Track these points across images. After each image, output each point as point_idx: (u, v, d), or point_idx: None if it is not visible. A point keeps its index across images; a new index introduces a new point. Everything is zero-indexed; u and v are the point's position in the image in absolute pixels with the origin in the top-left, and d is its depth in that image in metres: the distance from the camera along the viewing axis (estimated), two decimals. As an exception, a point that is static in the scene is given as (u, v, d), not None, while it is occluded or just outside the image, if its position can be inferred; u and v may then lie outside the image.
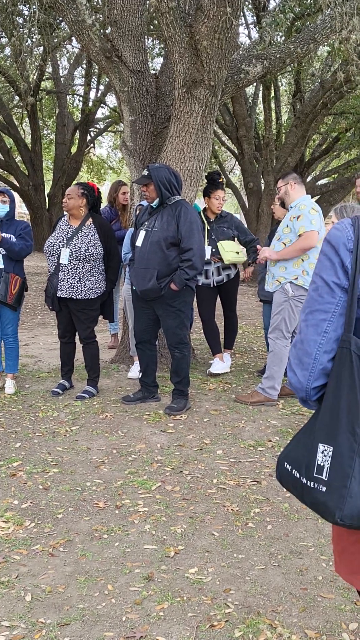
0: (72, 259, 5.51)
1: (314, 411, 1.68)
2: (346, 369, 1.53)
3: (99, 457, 4.56)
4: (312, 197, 15.84)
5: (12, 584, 3.03)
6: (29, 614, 2.81)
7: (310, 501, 1.57)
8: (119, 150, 7.69)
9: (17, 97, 18.35)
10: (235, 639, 2.68)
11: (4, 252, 5.61)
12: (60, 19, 10.94)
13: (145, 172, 5.31)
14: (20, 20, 11.46)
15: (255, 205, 15.03)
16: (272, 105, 15.22)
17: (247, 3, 11.27)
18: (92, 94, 18.92)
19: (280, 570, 3.22)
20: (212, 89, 6.00)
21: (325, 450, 1.54)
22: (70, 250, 5.51)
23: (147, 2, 8.33)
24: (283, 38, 10.91)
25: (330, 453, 1.53)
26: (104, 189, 7.96)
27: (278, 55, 6.76)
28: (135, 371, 6.48)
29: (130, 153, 6.81)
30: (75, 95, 19.93)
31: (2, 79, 17.19)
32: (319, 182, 17.21)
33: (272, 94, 15.11)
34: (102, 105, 18.98)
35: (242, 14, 12.04)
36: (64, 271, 5.54)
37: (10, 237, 5.64)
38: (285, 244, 5.67)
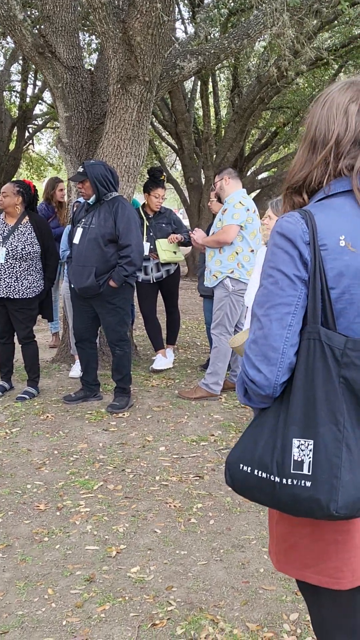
0: (9, 258, 5.42)
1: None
2: (318, 360, 1.52)
3: (40, 458, 4.50)
4: (252, 191, 16.03)
5: None
6: (-33, 623, 2.75)
7: (287, 500, 1.51)
8: (56, 147, 7.57)
9: None
10: (177, 637, 2.67)
11: None
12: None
13: (81, 169, 5.26)
14: None
15: (196, 200, 15.06)
16: (211, 101, 15.26)
17: (182, -2, 11.27)
18: (30, 90, 18.66)
19: (222, 565, 3.23)
20: (147, 85, 5.98)
21: (303, 444, 1.50)
22: (7, 249, 5.41)
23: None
24: (219, 34, 10.94)
25: (310, 446, 1.49)
26: (43, 186, 7.83)
27: (212, 51, 6.76)
28: (76, 370, 6.42)
29: (66, 150, 6.74)
30: (12, 92, 19.63)
31: None
32: (259, 177, 17.35)
33: (210, 89, 15.14)
34: (40, 101, 18.72)
35: (177, 9, 12.03)
36: (0, 271, 5.43)
37: None
38: (219, 238, 5.70)
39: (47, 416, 5.33)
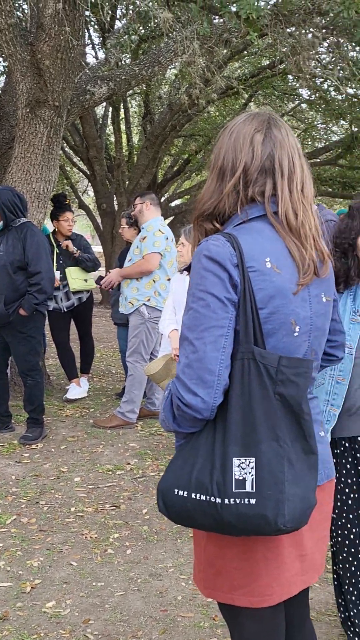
0: None
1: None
2: (254, 379, 1.54)
3: None
4: (165, 218, 16.14)
5: None
6: None
7: (231, 519, 1.50)
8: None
9: None
10: (94, 674, 2.59)
11: None
12: None
13: (-12, 195, 5.13)
14: None
15: (109, 227, 15.02)
16: (123, 127, 15.33)
17: (92, 23, 11.28)
18: None
19: (140, 595, 3.17)
20: (57, 109, 5.93)
21: (243, 463, 1.51)
22: None
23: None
24: (130, 60, 11.03)
25: (252, 464, 1.50)
26: None
27: (123, 77, 6.80)
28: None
29: (-26, 175, 6.60)
30: None
31: None
32: (172, 204, 17.50)
33: (122, 116, 15.21)
34: None
35: (87, 34, 12.06)
36: None
37: None
38: (135, 265, 5.69)
39: None
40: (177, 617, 2.98)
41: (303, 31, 6.08)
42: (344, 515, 2.64)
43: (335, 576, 2.81)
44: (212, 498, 1.52)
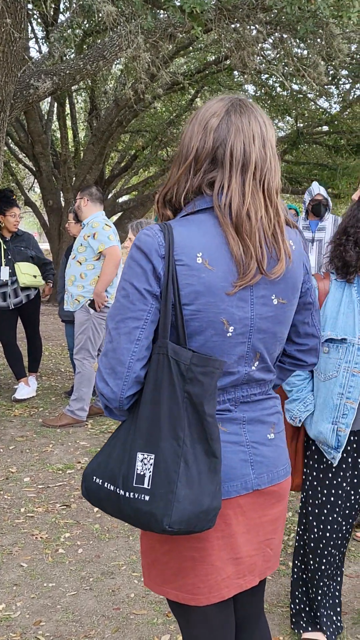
0: None
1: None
2: (165, 375, 1.51)
3: None
4: (113, 214, 16.06)
5: None
6: None
7: (130, 513, 1.50)
8: None
9: None
10: None
11: None
12: None
13: None
14: None
15: (56, 224, 14.86)
16: (69, 123, 15.18)
17: (35, 16, 11.13)
18: None
19: (93, 594, 3.14)
20: (0, 104, 5.83)
21: (146, 458, 1.49)
22: None
23: None
24: (75, 54, 10.92)
25: (151, 461, 1.48)
26: None
27: (68, 72, 6.72)
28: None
29: None
30: None
31: None
32: (120, 200, 17.41)
33: (68, 111, 15.06)
34: None
35: (30, 27, 11.89)
36: None
37: None
38: (80, 262, 5.62)
39: None
40: (130, 615, 2.96)
41: (247, 27, 6.10)
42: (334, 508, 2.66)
43: (296, 570, 2.82)
44: (117, 489, 1.53)
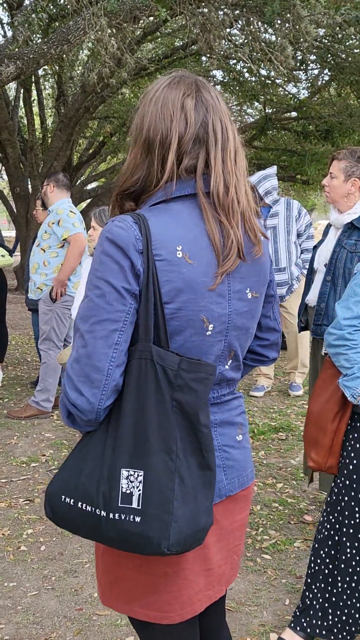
0: None
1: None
2: (150, 381, 1.36)
3: None
4: (81, 201, 15.88)
5: None
6: None
7: (113, 535, 1.35)
8: None
9: None
10: None
11: None
12: None
13: None
14: None
15: (23, 211, 14.64)
16: (35, 109, 14.94)
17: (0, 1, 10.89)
18: None
19: (55, 593, 3.06)
20: None
21: (132, 475, 1.34)
22: None
23: None
24: (40, 39, 10.71)
25: (140, 478, 1.34)
26: None
27: (32, 56, 6.58)
28: None
29: None
30: None
31: None
32: (88, 186, 17.22)
33: (35, 97, 14.82)
34: None
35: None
36: None
37: None
38: (44, 250, 5.50)
39: None
40: (93, 616, 2.88)
41: (213, 9, 5.99)
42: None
43: (319, 561, 2.64)
44: (97, 510, 1.37)
